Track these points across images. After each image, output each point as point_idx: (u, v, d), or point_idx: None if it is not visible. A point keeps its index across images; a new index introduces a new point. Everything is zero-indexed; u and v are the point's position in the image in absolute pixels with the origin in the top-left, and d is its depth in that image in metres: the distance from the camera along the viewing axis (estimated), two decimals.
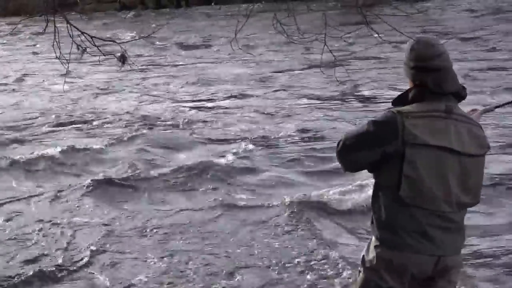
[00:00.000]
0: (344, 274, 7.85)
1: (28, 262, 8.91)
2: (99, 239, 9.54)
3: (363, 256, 5.80)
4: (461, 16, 30.40)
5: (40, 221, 10.29)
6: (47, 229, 9.96)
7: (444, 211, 5.57)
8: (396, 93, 5.79)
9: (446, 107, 5.45)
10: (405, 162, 5.37)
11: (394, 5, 37.13)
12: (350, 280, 7.20)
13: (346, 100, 17.70)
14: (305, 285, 7.65)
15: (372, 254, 5.70)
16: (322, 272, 8.01)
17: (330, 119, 15.79)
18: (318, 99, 18.29)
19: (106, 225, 10.12)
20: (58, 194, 11.18)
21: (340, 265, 8.14)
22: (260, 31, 21.49)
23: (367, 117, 15.46)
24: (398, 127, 5.34)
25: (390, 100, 5.80)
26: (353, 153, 5.72)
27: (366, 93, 18.18)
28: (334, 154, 5.97)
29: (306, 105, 17.47)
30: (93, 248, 9.11)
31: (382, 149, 5.44)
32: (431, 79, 5.46)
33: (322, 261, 8.31)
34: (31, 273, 8.59)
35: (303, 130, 14.76)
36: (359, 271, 5.89)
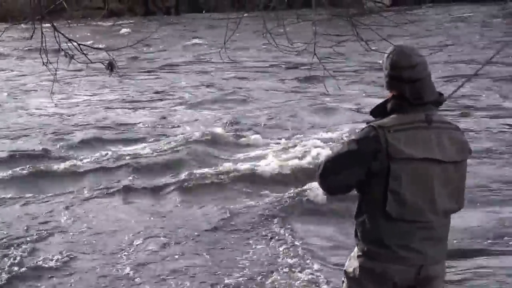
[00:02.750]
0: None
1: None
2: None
3: (347, 266, 5.85)
4: (451, 26, 30.12)
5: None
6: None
7: (429, 220, 5.55)
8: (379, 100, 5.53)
9: (426, 116, 5.41)
10: (390, 177, 5.33)
11: (388, 13, 37.57)
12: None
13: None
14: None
15: (354, 265, 5.73)
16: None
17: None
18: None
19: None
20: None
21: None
22: (251, 38, 21.52)
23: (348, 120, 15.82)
24: (382, 143, 5.29)
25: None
26: (336, 175, 5.67)
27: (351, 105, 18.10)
28: None
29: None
30: None
31: (366, 166, 5.40)
32: (408, 90, 5.43)
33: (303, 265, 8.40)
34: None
35: None
36: (343, 281, 5.95)
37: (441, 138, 5.47)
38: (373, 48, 6.97)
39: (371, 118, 5.64)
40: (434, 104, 5.52)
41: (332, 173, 5.62)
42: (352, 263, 5.76)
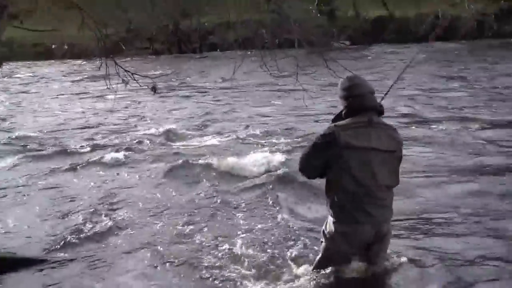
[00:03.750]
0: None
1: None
2: None
3: (323, 230, 6.13)
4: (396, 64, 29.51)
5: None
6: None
7: (374, 192, 5.89)
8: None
9: (368, 119, 5.88)
10: (343, 161, 5.78)
11: (350, 49, 37.12)
12: (309, 251, 7.05)
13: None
14: (269, 250, 7.37)
15: (330, 228, 6.00)
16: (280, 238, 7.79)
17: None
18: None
19: None
20: None
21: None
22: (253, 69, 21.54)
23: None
24: (336, 137, 5.75)
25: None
26: (309, 160, 6.02)
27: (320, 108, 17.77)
28: None
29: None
30: None
31: (327, 152, 5.84)
32: (355, 102, 5.94)
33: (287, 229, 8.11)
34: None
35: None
36: (321, 241, 6.20)
37: (379, 134, 5.91)
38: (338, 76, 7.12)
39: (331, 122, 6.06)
40: (375, 111, 5.94)
41: (306, 159, 6.05)
42: (328, 227, 6.06)
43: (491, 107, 17.50)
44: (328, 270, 6.15)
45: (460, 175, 10.33)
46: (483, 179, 10.06)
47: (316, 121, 15.67)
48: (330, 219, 6.03)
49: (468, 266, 6.58)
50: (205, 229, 8.44)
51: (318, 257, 6.26)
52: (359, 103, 5.88)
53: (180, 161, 12.34)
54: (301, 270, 6.59)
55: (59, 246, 8.02)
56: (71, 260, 7.56)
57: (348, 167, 5.75)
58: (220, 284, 6.55)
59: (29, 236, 8.52)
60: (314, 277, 6.21)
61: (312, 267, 6.35)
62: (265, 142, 13.79)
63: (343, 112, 5.99)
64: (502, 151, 12.06)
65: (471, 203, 8.81)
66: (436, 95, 20.78)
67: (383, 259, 6.27)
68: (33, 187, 11.27)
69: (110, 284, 6.82)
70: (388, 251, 6.33)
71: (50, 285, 6.74)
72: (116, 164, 12.86)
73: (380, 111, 6.00)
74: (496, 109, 17.01)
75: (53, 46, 45.66)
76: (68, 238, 8.31)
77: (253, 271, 6.86)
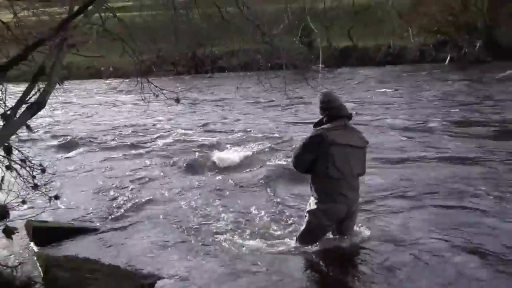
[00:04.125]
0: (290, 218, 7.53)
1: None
2: None
3: (307, 208, 6.15)
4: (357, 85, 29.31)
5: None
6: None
7: (349, 179, 5.98)
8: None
9: (344, 123, 5.99)
10: (329, 155, 5.80)
11: (324, 71, 36.97)
12: (295, 225, 7.00)
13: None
14: (264, 224, 7.33)
15: (313, 207, 6.04)
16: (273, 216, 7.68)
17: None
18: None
19: None
20: None
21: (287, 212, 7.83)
22: (251, 86, 21.29)
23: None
24: (324, 137, 5.80)
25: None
26: (301, 156, 5.99)
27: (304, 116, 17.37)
28: None
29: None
30: None
31: (318, 149, 5.84)
32: (333, 111, 6.01)
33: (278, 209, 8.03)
34: None
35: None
36: (305, 216, 6.20)
37: (353, 134, 6.05)
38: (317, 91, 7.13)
39: (313, 128, 6.16)
40: (347, 118, 6.04)
41: (298, 157, 6.06)
42: (311, 206, 6.09)
43: (412, 110, 17.71)
44: (309, 238, 6.17)
45: (394, 166, 10.29)
46: (410, 167, 10.03)
47: (302, 125, 15.55)
48: (313, 200, 6.07)
49: (408, 234, 6.55)
50: (213, 205, 8.42)
51: (302, 228, 6.26)
52: (336, 112, 5.97)
53: (196, 155, 12.24)
54: (288, 238, 6.54)
55: (105, 219, 8.11)
56: (115, 229, 7.60)
57: (333, 160, 5.80)
58: (224, 244, 6.58)
59: (84, 210, 8.56)
60: (298, 244, 6.22)
61: (296, 236, 6.35)
62: (262, 142, 13.40)
63: (324, 119, 6.04)
64: (417, 145, 12.09)
65: (409, 186, 8.69)
66: (371, 101, 20.91)
67: (352, 231, 6.29)
68: (87, 173, 11.34)
69: (143, 245, 6.80)
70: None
71: (99, 248, 6.74)
72: (146, 155, 12.93)
73: (350, 117, 6.10)
74: (413, 113, 17.13)
75: (102, 69, 45.49)
76: (113, 212, 8.42)
77: (251, 234, 6.88)
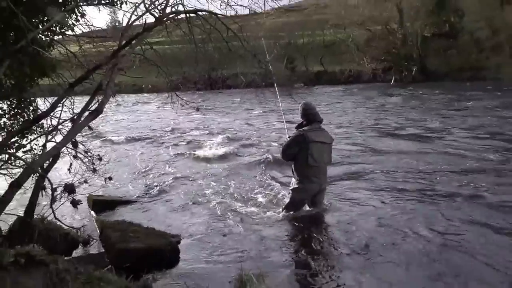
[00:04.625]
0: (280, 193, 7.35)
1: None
2: None
3: (291, 187, 6.16)
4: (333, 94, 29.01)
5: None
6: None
7: (322, 166, 5.98)
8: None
9: (319, 126, 5.99)
10: (309, 149, 5.78)
11: (303, 88, 36.78)
12: (282, 199, 6.81)
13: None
14: (261, 199, 7.18)
15: (295, 186, 6.05)
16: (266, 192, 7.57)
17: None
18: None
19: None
20: None
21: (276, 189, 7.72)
22: (250, 99, 21.24)
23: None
24: (305, 136, 5.80)
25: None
26: (288, 150, 5.95)
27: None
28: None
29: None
30: None
31: (301, 144, 5.83)
32: (310, 116, 5.99)
33: (269, 187, 7.90)
34: None
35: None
36: (289, 193, 6.24)
37: (325, 134, 6.05)
38: (298, 102, 7.10)
39: (295, 130, 6.12)
40: (320, 122, 6.02)
41: (285, 150, 6.01)
42: (293, 185, 6.10)
43: (364, 113, 17.73)
44: (292, 208, 6.13)
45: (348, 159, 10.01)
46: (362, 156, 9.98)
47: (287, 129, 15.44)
48: (295, 181, 6.08)
49: (361, 205, 6.58)
50: (221, 184, 8.32)
51: (287, 202, 6.26)
52: (313, 117, 5.96)
53: (210, 148, 12.07)
54: (278, 207, 6.52)
55: (144, 193, 8.02)
56: (151, 201, 7.57)
57: (311, 152, 5.80)
58: (230, 212, 6.55)
59: (129, 187, 8.51)
60: (284, 212, 6.18)
61: (282, 207, 6.32)
62: (260, 140, 13.19)
63: (303, 123, 6.01)
64: (371, 139, 12.01)
65: (371, 169, 8.62)
66: (336, 108, 20.75)
67: (322, 203, 6.26)
68: (130, 160, 11.17)
69: (171, 213, 6.80)
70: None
71: (140, 214, 6.70)
72: (173, 148, 12.68)
73: (322, 121, 6.07)
74: (365, 115, 17.25)
75: (143, 86, 45.35)
76: (149, 188, 8.34)
77: (250, 205, 6.83)
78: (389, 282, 4.22)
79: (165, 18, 5.20)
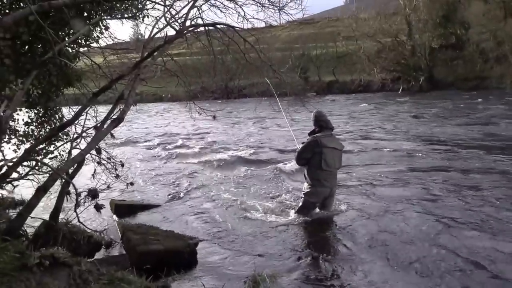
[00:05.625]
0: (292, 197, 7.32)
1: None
2: None
3: (303, 191, 6.12)
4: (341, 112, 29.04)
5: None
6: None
7: (333, 171, 5.97)
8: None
9: (331, 132, 6.00)
10: (323, 154, 5.78)
11: (315, 97, 36.68)
12: (294, 203, 6.77)
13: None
14: (274, 203, 7.08)
15: (307, 190, 6.02)
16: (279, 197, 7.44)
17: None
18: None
19: None
20: None
21: (290, 193, 7.64)
22: (265, 108, 21.28)
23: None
24: (319, 142, 5.81)
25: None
26: (302, 155, 5.96)
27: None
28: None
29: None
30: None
31: (312, 151, 5.85)
32: (322, 123, 5.99)
33: (283, 193, 7.76)
34: None
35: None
36: (301, 197, 6.18)
37: (336, 140, 6.05)
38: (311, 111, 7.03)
39: (307, 136, 6.20)
40: (331, 129, 6.02)
41: (300, 155, 6.01)
42: (305, 189, 6.07)
43: (374, 119, 17.45)
44: (304, 212, 6.10)
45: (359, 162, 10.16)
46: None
47: (300, 132, 15.37)
48: (306, 185, 6.05)
49: (371, 208, 6.51)
50: (237, 189, 8.29)
51: (299, 205, 6.23)
52: (325, 124, 5.97)
53: (226, 155, 11.97)
54: (290, 210, 6.46)
55: (164, 198, 7.98)
56: (171, 205, 7.53)
57: (325, 158, 5.80)
58: (246, 214, 6.52)
59: (149, 192, 8.48)
60: (297, 214, 6.14)
61: (295, 210, 6.30)
62: (274, 146, 13.16)
63: (316, 129, 6.02)
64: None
65: (370, 175, 8.48)
66: (348, 115, 20.61)
67: (331, 207, 6.23)
68: (151, 166, 11.14)
69: (190, 216, 6.71)
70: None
71: (160, 218, 6.68)
72: (191, 154, 12.71)
73: (333, 128, 6.07)
74: (373, 121, 16.96)
75: (163, 95, 45.68)
76: (168, 194, 8.29)
77: (266, 209, 6.74)
78: (402, 285, 4.12)
79: (185, 31, 5.19)
